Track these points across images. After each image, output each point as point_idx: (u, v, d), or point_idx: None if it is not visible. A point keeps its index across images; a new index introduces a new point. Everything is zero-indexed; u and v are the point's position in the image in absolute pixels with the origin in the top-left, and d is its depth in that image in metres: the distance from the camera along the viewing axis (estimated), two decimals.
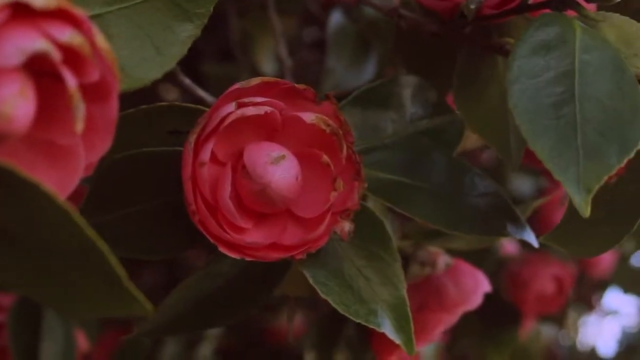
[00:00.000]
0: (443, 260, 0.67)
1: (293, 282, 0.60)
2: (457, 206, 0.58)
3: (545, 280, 0.93)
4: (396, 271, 0.55)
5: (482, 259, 1.00)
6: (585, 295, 2.53)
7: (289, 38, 1.25)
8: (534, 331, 2.22)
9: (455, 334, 1.35)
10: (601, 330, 2.78)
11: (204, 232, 0.49)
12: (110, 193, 0.53)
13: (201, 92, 0.64)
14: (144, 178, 0.53)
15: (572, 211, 0.56)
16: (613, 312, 2.65)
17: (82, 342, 0.90)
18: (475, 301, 0.65)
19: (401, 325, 0.54)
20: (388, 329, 0.53)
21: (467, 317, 1.01)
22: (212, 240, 0.49)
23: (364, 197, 0.57)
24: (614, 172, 0.45)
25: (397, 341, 0.53)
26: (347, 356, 0.68)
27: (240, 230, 0.50)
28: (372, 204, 0.62)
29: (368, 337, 0.69)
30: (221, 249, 0.49)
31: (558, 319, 0.99)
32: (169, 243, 0.54)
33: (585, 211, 0.44)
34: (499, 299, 0.99)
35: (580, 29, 0.51)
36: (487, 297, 1.03)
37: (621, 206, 0.54)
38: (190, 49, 0.49)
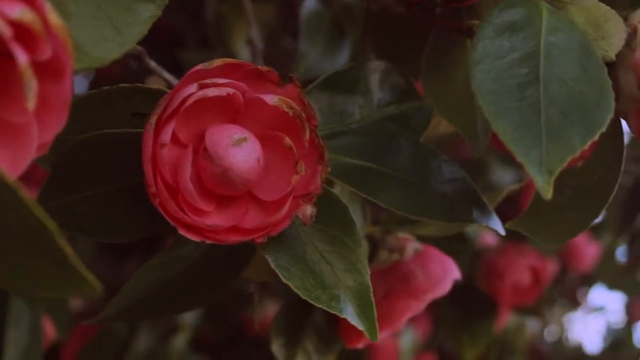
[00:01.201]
0: (412, 246, 0.67)
1: (256, 267, 0.60)
2: (422, 192, 0.58)
3: (521, 270, 0.93)
4: (360, 257, 0.55)
5: (459, 250, 1.01)
6: (571, 291, 2.55)
7: (270, 27, 1.26)
8: (519, 326, 2.24)
9: (435, 328, 1.36)
10: (587, 326, 2.80)
11: (164, 215, 0.49)
12: (71, 175, 0.53)
13: (167, 75, 0.64)
14: (106, 160, 0.53)
15: (539, 198, 0.56)
16: (599, 309, 2.67)
17: (50, 331, 0.90)
18: (443, 288, 0.65)
19: (364, 312, 0.54)
20: (351, 316, 0.54)
21: (444, 309, 1.02)
22: (172, 223, 0.49)
23: (330, 183, 0.58)
24: (577, 154, 0.45)
25: (360, 327, 0.54)
26: (315, 343, 0.68)
27: (200, 212, 0.50)
28: (339, 189, 0.62)
29: (336, 324, 0.69)
30: (181, 232, 0.49)
31: (535, 311, 0.98)
32: (130, 226, 0.54)
33: (548, 193, 0.44)
34: (475, 290, 1.00)
35: (547, 10, 0.51)
36: (463, 288, 1.03)
37: (588, 192, 0.55)
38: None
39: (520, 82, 0.47)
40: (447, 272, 0.66)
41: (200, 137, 0.50)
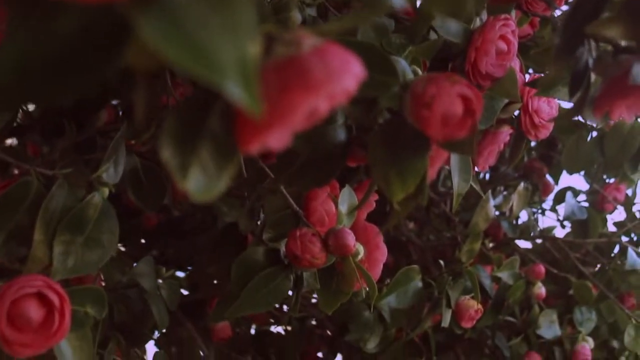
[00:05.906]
0: (310, 40, 0.66)
1: (138, 52, 0.59)
2: None
3: (451, 99, 0.92)
4: (244, 25, 0.54)
5: (387, 82, 1.01)
6: (538, 174, 2.59)
7: None
8: (481, 207, 2.27)
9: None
10: (551, 208, 2.85)
11: None
12: None
13: None
14: None
15: None
16: (564, 191, 2.72)
17: None
18: (343, 83, 0.64)
19: (245, 84, 0.54)
20: (231, 89, 0.53)
21: (373, 147, 1.02)
22: None
23: None
24: None
25: (240, 100, 0.53)
26: (212, 151, 0.66)
27: None
28: None
29: (232, 127, 0.68)
30: None
31: (466, 146, 0.98)
32: None
33: None
34: (405, 125, 0.99)
35: None
36: (393, 123, 1.04)
37: None
38: None
39: None
40: (347, 66, 0.65)
41: None
